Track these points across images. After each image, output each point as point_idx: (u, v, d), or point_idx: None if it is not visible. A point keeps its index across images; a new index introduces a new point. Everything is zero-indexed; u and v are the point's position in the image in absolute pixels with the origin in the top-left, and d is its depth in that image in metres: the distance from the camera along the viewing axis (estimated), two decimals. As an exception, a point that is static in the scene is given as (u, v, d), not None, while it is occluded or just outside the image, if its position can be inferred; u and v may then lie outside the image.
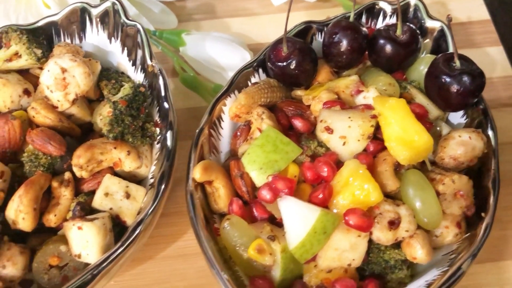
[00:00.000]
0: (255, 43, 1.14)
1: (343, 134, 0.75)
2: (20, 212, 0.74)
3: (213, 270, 0.70)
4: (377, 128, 0.76)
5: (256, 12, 1.18)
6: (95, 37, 0.91)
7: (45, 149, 0.77)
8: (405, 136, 0.73)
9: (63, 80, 0.80)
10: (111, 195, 0.78)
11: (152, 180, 0.83)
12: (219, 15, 1.18)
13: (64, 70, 0.80)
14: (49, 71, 0.80)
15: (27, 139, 0.78)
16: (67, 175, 0.79)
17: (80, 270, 0.76)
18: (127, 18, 0.87)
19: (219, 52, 1.03)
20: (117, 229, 0.79)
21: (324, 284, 0.72)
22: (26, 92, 0.84)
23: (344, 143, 0.76)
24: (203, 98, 1.03)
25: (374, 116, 0.76)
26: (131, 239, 0.73)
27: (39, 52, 0.85)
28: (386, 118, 0.75)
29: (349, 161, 0.73)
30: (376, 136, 0.77)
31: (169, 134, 0.81)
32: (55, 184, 0.78)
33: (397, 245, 0.75)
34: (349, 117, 0.75)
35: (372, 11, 0.91)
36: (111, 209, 0.78)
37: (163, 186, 0.78)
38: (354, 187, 0.71)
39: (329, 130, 0.75)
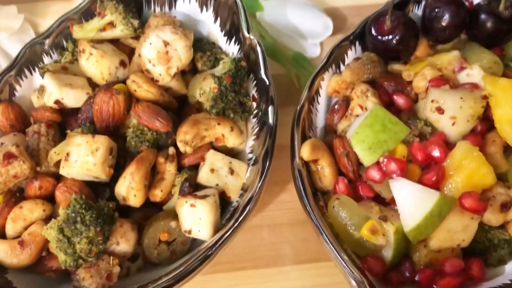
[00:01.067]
0: (331, 7, 1.11)
1: (454, 114, 0.75)
2: (132, 189, 0.74)
3: (328, 247, 0.70)
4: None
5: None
6: (186, 5, 0.89)
7: (153, 125, 0.77)
8: (517, 118, 0.73)
9: (165, 54, 0.78)
10: (216, 171, 0.79)
11: (250, 155, 0.83)
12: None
13: (166, 44, 0.79)
14: (151, 44, 0.79)
15: (133, 115, 0.77)
16: (171, 150, 0.80)
17: (186, 244, 0.78)
18: (222, -13, 0.85)
19: (300, 19, 1.01)
20: (220, 203, 0.79)
21: (433, 263, 0.73)
22: (122, 64, 0.83)
23: (453, 124, 0.75)
24: (283, 65, 1.02)
25: (485, 97, 0.75)
26: (242, 216, 0.74)
27: (136, 22, 0.83)
28: (498, 99, 0.75)
29: (461, 142, 0.73)
30: (484, 116, 0.76)
31: (270, 110, 0.80)
32: (161, 160, 0.78)
33: (500, 226, 0.75)
34: (461, 98, 0.75)
35: (472, -16, 0.89)
36: (217, 185, 0.79)
37: (267, 163, 0.78)
38: (469, 170, 0.71)
39: (440, 110, 0.75)
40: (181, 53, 0.79)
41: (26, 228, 0.74)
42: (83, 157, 0.73)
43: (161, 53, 0.79)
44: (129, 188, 0.74)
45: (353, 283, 0.67)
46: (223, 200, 0.80)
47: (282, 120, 0.96)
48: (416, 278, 0.73)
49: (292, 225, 0.92)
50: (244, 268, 0.89)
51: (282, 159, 0.87)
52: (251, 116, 0.84)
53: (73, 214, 0.69)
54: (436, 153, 0.73)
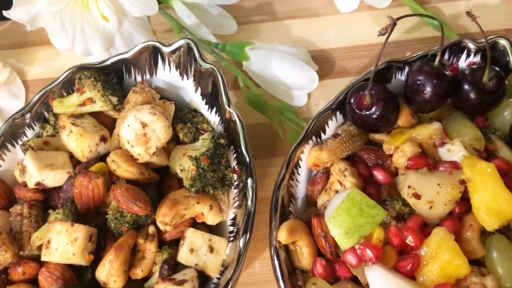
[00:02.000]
0: (318, 50, 1.10)
1: (431, 199, 0.75)
2: (111, 276, 0.76)
3: None
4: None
5: (318, 12, 1.13)
6: (167, 73, 0.88)
7: (131, 210, 0.77)
8: (494, 205, 0.73)
9: (144, 136, 0.79)
10: (195, 250, 0.80)
11: (231, 228, 0.84)
12: (279, 16, 1.13)
13: (144, 125, 0.79)
14: (129, 126, 0.79)
15: (112, 198, 0.78)
16: (151, 229, 0.81)
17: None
18: (203, 60, 0.84)
19: (285, 72, 1.00)
20: (200, 279, 0.81)
21: None
22: (103, 139, 0.84)
23: (430, 207, 0.75)
24: (269, 118, 1.01)
25: (463, 182, 0.75)
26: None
27: (114, 100, 0.83)
28: (475, 185, 0.74)
29: (437, 230, 0.73)
30: (463, 196, 0.76)
31: (249, 183, 0.81)
32: (140, 240, 0.80)
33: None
34: (438, 184, 0.74)
35: (456, 49, 0.87)
36: (196, 265, 0.80)
37: (246, 240, 0.79)
38: (443, 262, 0.72)
39: (417, 196, 0.75)
40: (160, 133, 0.79)
41: (10, 316, 0.76)
42: (63, 246, 0.75)
43: (139, 135, 0.79)
44: (109, 275, 0.76)
45: None
46: (204, 276, 0.81)
47: (268, 171, 0.98)
48: None
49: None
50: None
51: (267, 213, 0.87)
52: (233, 188, 0.85)
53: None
54: (410, 241, 0.74)
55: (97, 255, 0.78)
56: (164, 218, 0.78)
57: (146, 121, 0.79)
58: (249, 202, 0.80)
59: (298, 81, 1.00)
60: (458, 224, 0.75)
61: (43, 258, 0.76)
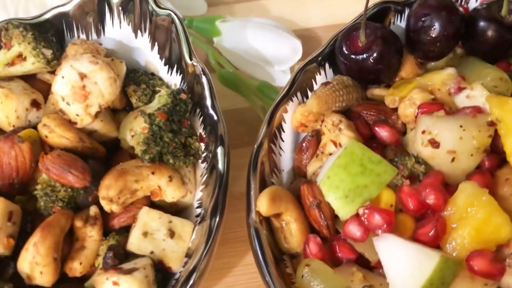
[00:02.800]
0: (301, 29, 0.97)
1: (453, 148, 0.58)
2: (36, 264, 0.57)
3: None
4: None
5: (299, -11, 1.00)
6: (117, 30, 0.74)
7: (64, 180, 0.60)
8: (536, 148, 0.56)
9: (82, 89, 0.63)
10: (151, 234, 0.62)
11: (199, 210, 0.66)
12: (254, -6, 1.00)
13: (83, 76, 0.63)
14: (63, 77, 0.63)
15: (40, 167, 0.61)
16: (93, 210, 0.63)
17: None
18: (157, 5, 0.69)
19: (263, 43, 0.86)
20: (159, 275, 0.62)
21: None
22: (35, 104, 0.68)
23: (452, 160, 0.58)
24: (246, 98, 0.86)
25: (492, 123, 0.59)
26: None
27: (48, 53, 0.68)
28: (509, 125, 0.57)
29: (465, 184, 0.56)
30: (492, 148, 0.59)
31: (220, 152, 0.64)
32: (78, 223, 0.62)
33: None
34: (461, 126, 0.58)
35: (465, -15, 0.73)
36: (151, 252, 0.62)
37: (217, 220, 0.61)
38: (478, 220, 0.54)
39: (434, 143, 0.58)
40: (103, 87, 0.63)
41: None
42: (-28, 226, 0.56)
43: (76, 88, 0.63)
44: (33, 264, 0.57)
45: None
46: (164, 271, 0.62)
47: (245, 162, 0.80)
48: None
49: (260, 293, 0.74)
50: None
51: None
52: (200, 161, 0.68)
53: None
54: (432, 200, 0.56)
55: (22, 242, 0.59)
56: (108, 191, 0.60)
57: (86, 71, 0.63)
58: (221, 171, 0.63)
59: (279, 53, 0.85)
60: (490, 179, 0.58)
61: None
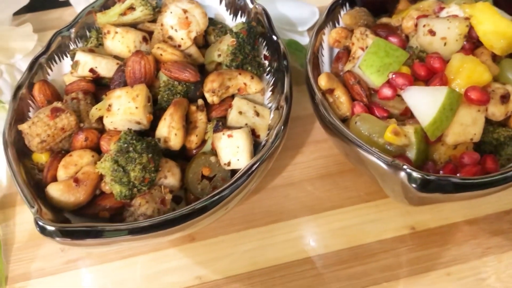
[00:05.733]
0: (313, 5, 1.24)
1: (444, 35, 0.86)
2: (172, 128, 0.81)
3: (362, 151, 0.77)
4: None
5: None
6: (193, -7, 1.00)
7: (183, 76, 0.84)
8: (498, 29, 0.85)
9: (186, 19, 0.88)
10: (244, 113, 0.86)
11: (269, 105, 0.91)
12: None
13: (185, 11, 0.89)
14: (171, 12, 0.89)
15: (163, 71, 0.85)
16: (200, 101, 0.87)
17: (226, 180, 0.83)
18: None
19: (288, 10, 1.14)
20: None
21: (452, 159, 0.81)
22: (145, 39, 0.92)
23: (445, 44, 0.86)
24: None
25: (467, 18, 0.87)
26: (276, 143, 0.80)
27: (154, 2, 0.93)
28: (478, 18, 0.87)
29: (456, 54, 0.84)
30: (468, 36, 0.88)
31: (284, 61, 0.89)
32: (193, 108, 0.86)
33: (503, 125, 0.85)
34: (448, 20, 0.87)
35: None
36: (246, 124, 0.86)
37: (288, 105, 0.85)
38: (468, 70, 0.81)
39: (432, 32, 0.86)
40: (199, 18, 0.90)
41: (77, 172, 0.78)
42: (125, 104, 0.80)
43: (181, 19, 0.89)
44: (170, 128, 0.80)
45: (389, 169, 0.74)
46: (255, 141, 0.86)
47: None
48: (440, 173, 0.80)
49: (312, 180, 0.99)
50: (275, 221, 0.94)
51: (291, 129, 0.95)
52: (265, 74, 0.94)
53: (125, 145, 0.74)
54: (436, 63, 0.84)
55: (154, 123, 0.83)
56: (213, 84, 0.85)
57: (187, 7, 0.89)
58: (284, 63, 0.88)
59: (301, 16, 1.14)
60: (470, 53, 0.86)
61: (105, 121, 0.81)
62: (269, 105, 0.91)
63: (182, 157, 0.86)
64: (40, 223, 0.67)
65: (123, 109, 0.79)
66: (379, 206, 0.95)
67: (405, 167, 0.71)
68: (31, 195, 0.72)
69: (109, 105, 0.80)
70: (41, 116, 0.79)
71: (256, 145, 0.86)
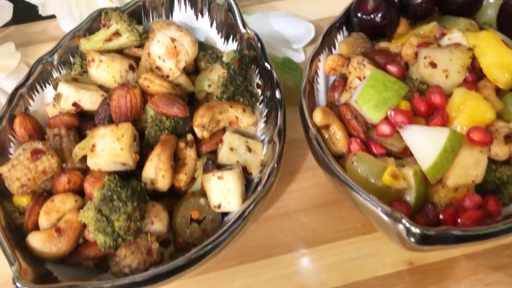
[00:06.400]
0: (309, 20, 1.19)
1: (446, 67, 0.82)
2: (160, 170, 0.77)
3: (358, 196, 0.73)
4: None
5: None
6: (183, 14, 0.96)
7: (171, 111, 0.80)
8: (502, 60, 0.81)
9: (174, 49, 0.84)
10: (235, 149, 0.82)
11: (262, 137, 0.87)
12: (265, -1, 1.24)
13: (173, 40, 0.84)
14: (159, 41, 0.84)
15: (150, 106, 0.81)
16: (189, 136, 0.83)
17: (216, 222, 0.80)
18: (214, -9, 0.93)
19: (283, 27, 1.09)
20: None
21: (452, 202, 0.78)
22: (131, 68, 0.88)
23: (446, 76, 0.82)
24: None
25: (470, 49, 0.83)
26: (269, 183, 0.77)
27: (140, 28, 0.89)
28: (482, 49, 0.83)
29: (458, 89, 0.80)
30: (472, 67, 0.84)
31: (277, 92, 0.85)
32: (181, 145, 0.82)
33: (506, 163, 0.81)
34: (450, 51, 0.82)
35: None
36: (237, 162, 0.82)
37: (282, 138, 0.81)
38: (470, 108, 0.77)
39: (433, 64, 0.82)
40: (188, 47, 0.85)
41: (60, 220, 0.74)
42: (109, 145, 0.76)
43: (169, 48, 0.84)
44: (157, 169, 0.77)
45: (387, 218, 0.70)
46: (245, 179, 0.83)
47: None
48: (440, 217, 0.77)
49: (306, 210, 0.95)
50: (269, 255, 0.90)
51: (286, 153, 0.91)
52: (258, 103, 0.90)
53: (109, 193, 0.71)
54: (437, 99, 0.79)
55: (140, 162, 0.79)
56: (202, 119, 0.81)
57: (175, 36, 0.85)
58: (279, 97, 0.84)
59: (296, 33, 1.09)
60: (473, 87, 0.82)
61: (89, 163, 0.77)
62: (262, 137, 0.87)
63: (171, 193, 0.82)
64: (18, 286, 0.63)
65: (108, 150, 0.76)
66: (376, 239, 0.92)
67: (404, 220, 0.68)
68: (11, 249, 0.69)
69: (93, 145, 0.76)
70: (21, 158, 0.75)
71: (248, 182, 0.83)
